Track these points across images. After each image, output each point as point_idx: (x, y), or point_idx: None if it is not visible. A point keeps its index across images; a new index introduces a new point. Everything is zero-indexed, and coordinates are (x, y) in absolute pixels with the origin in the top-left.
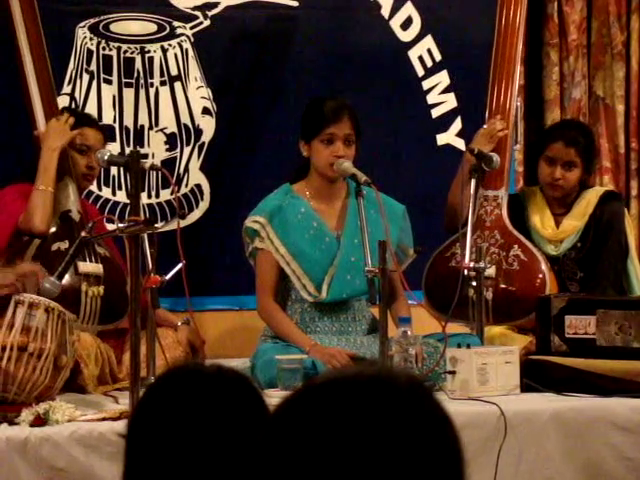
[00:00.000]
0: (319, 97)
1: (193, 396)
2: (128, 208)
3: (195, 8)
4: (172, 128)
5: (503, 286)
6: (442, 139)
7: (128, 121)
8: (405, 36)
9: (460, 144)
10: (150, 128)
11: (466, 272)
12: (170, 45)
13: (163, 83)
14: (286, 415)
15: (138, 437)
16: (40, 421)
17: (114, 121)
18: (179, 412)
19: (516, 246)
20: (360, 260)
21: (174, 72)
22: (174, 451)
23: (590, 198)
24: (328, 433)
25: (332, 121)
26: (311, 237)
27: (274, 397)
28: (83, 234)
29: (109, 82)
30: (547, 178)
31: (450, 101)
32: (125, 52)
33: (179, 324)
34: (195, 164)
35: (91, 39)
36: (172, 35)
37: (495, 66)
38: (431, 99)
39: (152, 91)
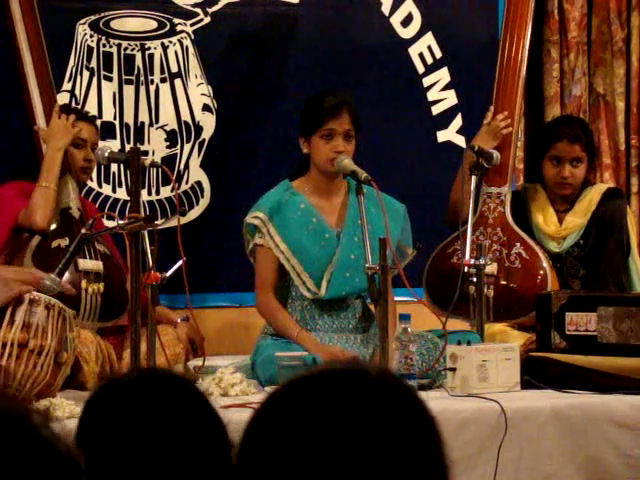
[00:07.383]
0: (318, 93)
1: (135, 404)
2: (128, 205)
3: (195, 5)
4: (172, 125)
5: (504, 283)
6: (442, 136)
7: (128, 118)
8: (405, 33)
9: (460, 141)
10: (150, 125)
11: (467, 269)
12: (170, 42)
13: (163, 80)
14: (264, 414)
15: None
16: None
17: (114, 118)
18: (123, 421)
19: (518, 244)
20: (360, 258)
21: (174, 69)
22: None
23: (593, 195)
24: (304, 429)
25: (331, 116)
26: (311, 233)
27: None
28: (83, 231)
29: (109, 79)
30: (556, 178)
31: (450, 98)
32: (125, 49)
33: (179, 321)
34: (195, 161)
35: (91, 36)
36: (172, 32)
37: (501, 62)
38: (431, 96)
39: (152, 88)
